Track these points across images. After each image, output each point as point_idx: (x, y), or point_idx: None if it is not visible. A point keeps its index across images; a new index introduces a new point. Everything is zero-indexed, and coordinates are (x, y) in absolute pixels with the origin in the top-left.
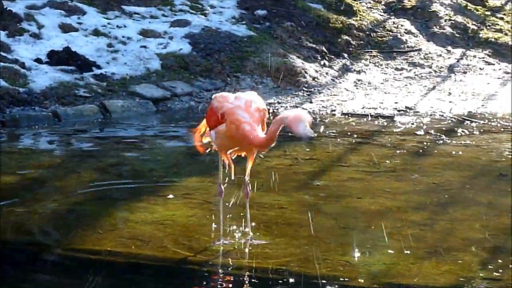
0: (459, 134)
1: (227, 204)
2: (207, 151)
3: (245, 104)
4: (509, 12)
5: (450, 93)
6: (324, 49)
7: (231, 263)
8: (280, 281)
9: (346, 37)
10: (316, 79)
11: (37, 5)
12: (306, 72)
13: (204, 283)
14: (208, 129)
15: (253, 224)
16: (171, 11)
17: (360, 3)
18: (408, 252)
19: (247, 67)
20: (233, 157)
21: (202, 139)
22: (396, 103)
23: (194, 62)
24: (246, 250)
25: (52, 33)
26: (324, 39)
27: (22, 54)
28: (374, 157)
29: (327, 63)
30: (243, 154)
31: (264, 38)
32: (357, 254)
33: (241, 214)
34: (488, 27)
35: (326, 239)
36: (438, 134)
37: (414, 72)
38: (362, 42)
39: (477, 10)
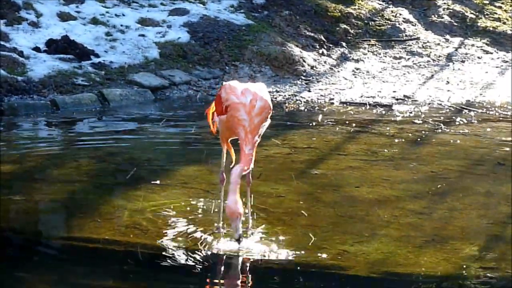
0: (457, 123)
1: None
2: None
3: (250, 103)
4: (507, 1)
5: (448, 82)
6: (322, 38)
7: (229, 251)
8: (278, 270)
9: (345, 26)
10: (314, 68)
11: None
12: (304, 61)
13: (203, 271)
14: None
15: (251, 212)
16: (169, 0)
17: None
18: (406, 241)
19: (245, 55)
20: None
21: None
22: (394, 91)
23: (192, 50)
24: (245, 238)
25: (50, 21)
26: (323, 28)
27: (21, 42)
28: (372, 145)
29: (325, 52)
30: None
31: (262, 26)
32: (355, 242)
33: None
34: (486, 16)
35: (324, 228)
36: (436, 122)
37: (413, 61)
38: (360, 31)
39: None
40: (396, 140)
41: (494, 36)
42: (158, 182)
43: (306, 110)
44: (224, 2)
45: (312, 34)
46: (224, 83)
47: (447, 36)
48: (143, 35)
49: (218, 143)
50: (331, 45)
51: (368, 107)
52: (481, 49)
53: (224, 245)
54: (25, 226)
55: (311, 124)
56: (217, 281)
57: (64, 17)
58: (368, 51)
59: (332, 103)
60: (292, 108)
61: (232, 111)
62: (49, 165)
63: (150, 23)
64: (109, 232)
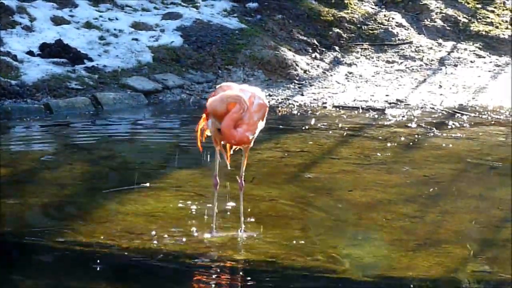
0: (449, 127)
1: (219, 196)
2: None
3: (249, 100)
4: (500, 5)
5: (441, 86)
6: (315, 42)
7: (222, 256)
8: (270, 274)
9: (337, 30)
10: (307, 72)
11: None
12: (297, 65)
13: (195, 275)
14: (206, 119)
15: (244, 216)
16: (162, 4)
17: None
18: (399, 244)
19: (238, 59)
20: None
21: (204, 133)
22: (387, 95)
23: (185, 54)
24: (237, 242)
25: (44, 25)
26: (315, 32)
27: (14, 46)
28: (365, 149)
29: (318, 56)
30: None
31: (255, 30)
32: (348, 246)
33: (231, 206)
34: (479, 20)
35: (317, 232)
36: (429, 126)
37: (405, 65)
38: (353, 35)
39: (468, 3)
40: (389, 144)
41: (487, 40)
42: (147, 184)
43: (299, 114)
44: (217, 6)
45: (305, 38)
46: (219, 85)
47: (440, 40)
48: (136, 39)
49: (212, 146)
50: (324, 49)
51: (361, 111)
52: (473, 53)
53: (217, 249)
54: (18, 229)
55: (304, 128)
56: (210, 284)
57: (57, 21)
58: (361, 55)
59: (325, 107)
60: (285, 112)
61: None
62: (42, 168)
63: (143, 27)
64: (102, 236)
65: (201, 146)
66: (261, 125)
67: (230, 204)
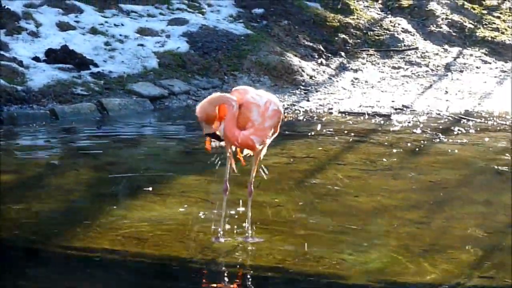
0: (455, 133)
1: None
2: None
3: (264, 106)
4: (506, 11)
5: (446, 92)
6: (321, 47)
7: (228, 261)
8: (277, 279)
9: (343, 35)
10: (313, 78)
11: (35, 3)
12: (303, 71)
13: (201, 281)
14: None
15: (250, 222)
16: (168, 10)
17: (357, 1)
18: (405, 250)
19: (244, 65)
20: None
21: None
22: (393, 101)
23: (191, 60)
24: (243, 248)
25: (49, 31)
26: (321, 38)
27: (20, 52)
28: (371, 155)
29: (324, 61)
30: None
31: (261, 36)
32: (353, 252)
33: (238, 212)
34: (484, 26)
35: (323, 237)
36: (435, 132)
37: (411, 71)
38: (359, 40)
39: (474, 9)
40: (395, 150)
41: (493, 46)
42: (150, 189)
43: (305, 119)
44: (223, 12)
45: (311, 44)
46: (234, 87)
47: (446, 46)
48: (142, 45)
49: (218, 152)
50: (329, 55)
51: (366, 116)
52: (479, 59)
53: (224, 254)
54: (24, 235)
55: (310, 134)
56: None
57: (63, 26)
58: (367, 61)
59: (331, 113)
60: (291, 118)
61: (244, 110)
62: (48, 174)
63: (149, 33)
64: (108, 241)
65: (209, 148)
66: (274, 133)
67: (238, 210)
